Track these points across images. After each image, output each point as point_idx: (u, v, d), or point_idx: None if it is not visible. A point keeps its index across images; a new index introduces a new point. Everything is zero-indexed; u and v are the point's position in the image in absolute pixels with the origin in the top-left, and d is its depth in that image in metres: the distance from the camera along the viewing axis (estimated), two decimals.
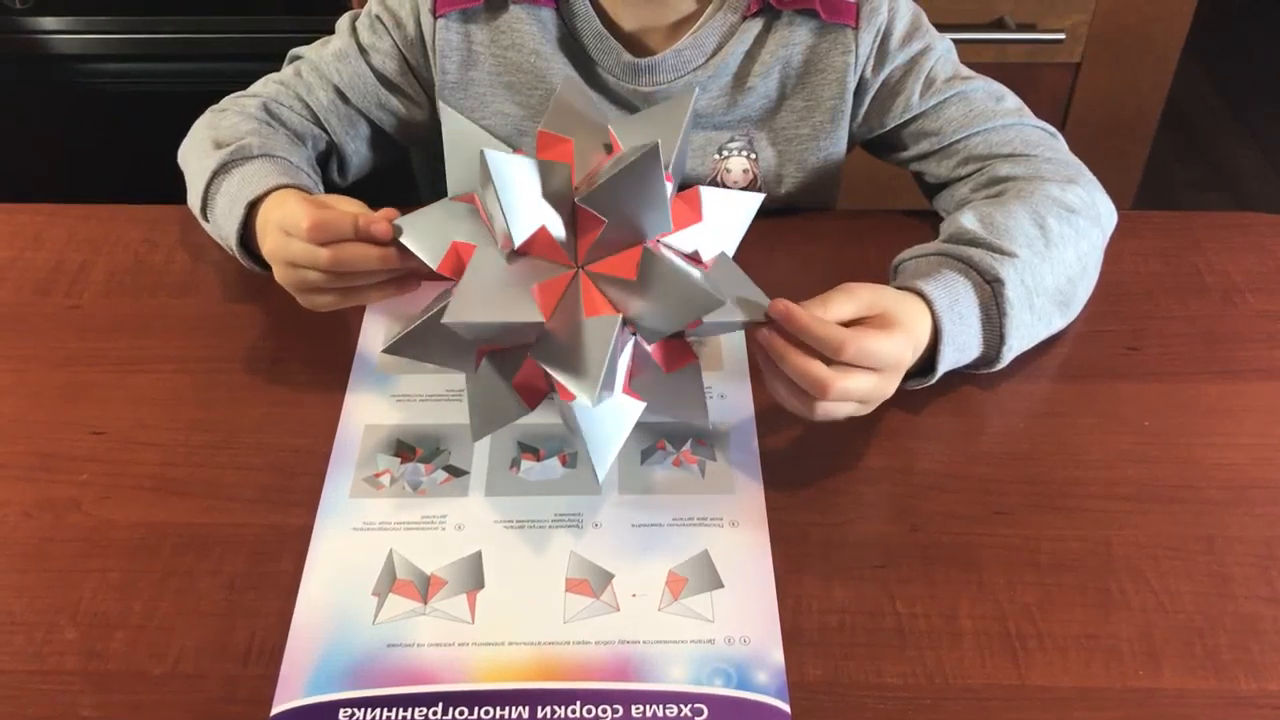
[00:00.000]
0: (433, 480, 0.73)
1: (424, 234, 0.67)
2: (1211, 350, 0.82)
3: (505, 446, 0.75)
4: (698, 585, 0.67)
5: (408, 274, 0.72)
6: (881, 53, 0.87)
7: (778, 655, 0.63)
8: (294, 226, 0.71)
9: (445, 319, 0.60)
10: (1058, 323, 0.81)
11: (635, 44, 0.87)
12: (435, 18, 0.88)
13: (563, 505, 0.71)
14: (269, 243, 0.75)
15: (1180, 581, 0.67)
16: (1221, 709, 0.62)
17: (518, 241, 0.64)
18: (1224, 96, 2.30)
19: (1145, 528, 0.70)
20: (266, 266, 0.80)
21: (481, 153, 0.61)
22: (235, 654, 0.64)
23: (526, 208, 0.63)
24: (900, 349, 0.69)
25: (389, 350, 0.66)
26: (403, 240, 0.68)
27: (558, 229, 0.64)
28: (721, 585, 0.67)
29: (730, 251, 0.70)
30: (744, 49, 0.87)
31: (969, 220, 0.80)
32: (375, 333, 0.83)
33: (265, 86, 0.92)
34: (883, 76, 0.88)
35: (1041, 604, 0.66)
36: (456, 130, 0.69)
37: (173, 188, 0.92)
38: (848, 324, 0.67)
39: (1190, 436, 0.76)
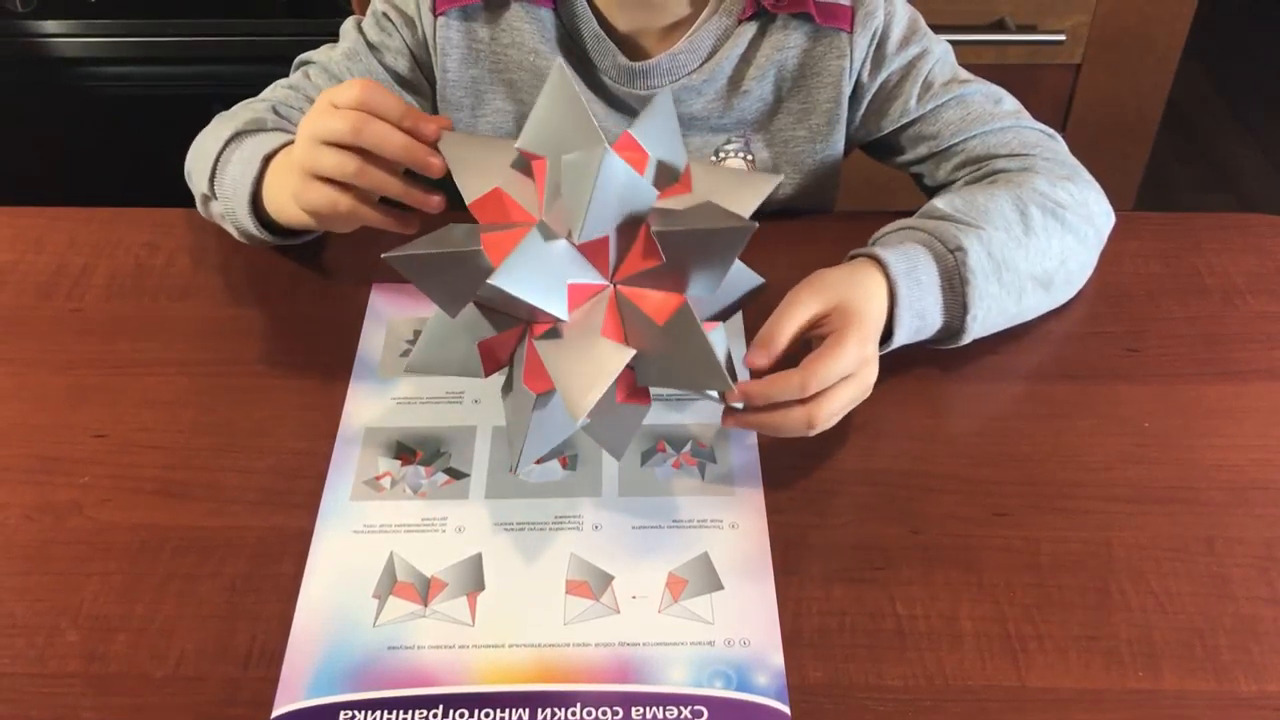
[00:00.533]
0: (433, 483, 0.73)
1: (468, 162, 0.66)
2: (1212, 351, 0.82)
3: (506, 449, 0.75)
4: (698, 587, 0.67)
5: (411, 216, 0.71)
6: (878, 56, 0.88)
7: (778, 657, 0.63)
8: (342, 93, 0.68)
9: (579, 422, 0.61)
10: (1036, 300, 0.80)
11: (631, 46, 0.88)
12: (435, 15, 0.88)
13: (563, 507, 0.71)
14: (305, 118, 0.70)
15: (1180, 583, 0.68)
16: (1221, 710, 0.62)
17: (564, 315, 0.63)
18: (1225, 97, 2.30)
19: (1145, 529, 0.70)
20: (275, 232, 0.81)
21: (602, 154, 0.59)
22: (236, 656, 0.64)
23: (551, 284, 0.62)
24: (857, 352, 0.69)
25: (389, 256, 0.62)
26: (445, 153, 0.66)
27: (578, 274, 0.63)
28: (721, 587, 0.67)
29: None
30: (739, 52, 0.87)
31: (944, 201, 0.80)
32: (375, 336, 0.83)
33: (274, 92, 0.92)
34: (880, 80, 0.88)
35: (1041, 605, 0.66)
36: (564, 101, 0.64)
37: (174, 190, 0.92)
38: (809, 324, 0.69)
39: (1190, 438, 0.76)
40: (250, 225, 0.82)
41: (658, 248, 0.62)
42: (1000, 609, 0.66)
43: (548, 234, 0.62)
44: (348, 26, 0.93)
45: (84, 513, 0.71)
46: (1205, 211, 2.00)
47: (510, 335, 0.66)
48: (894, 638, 0.65)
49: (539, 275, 0.61)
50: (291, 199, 0.73)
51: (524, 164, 0.66)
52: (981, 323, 0.77)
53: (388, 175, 0.69)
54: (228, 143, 0.82)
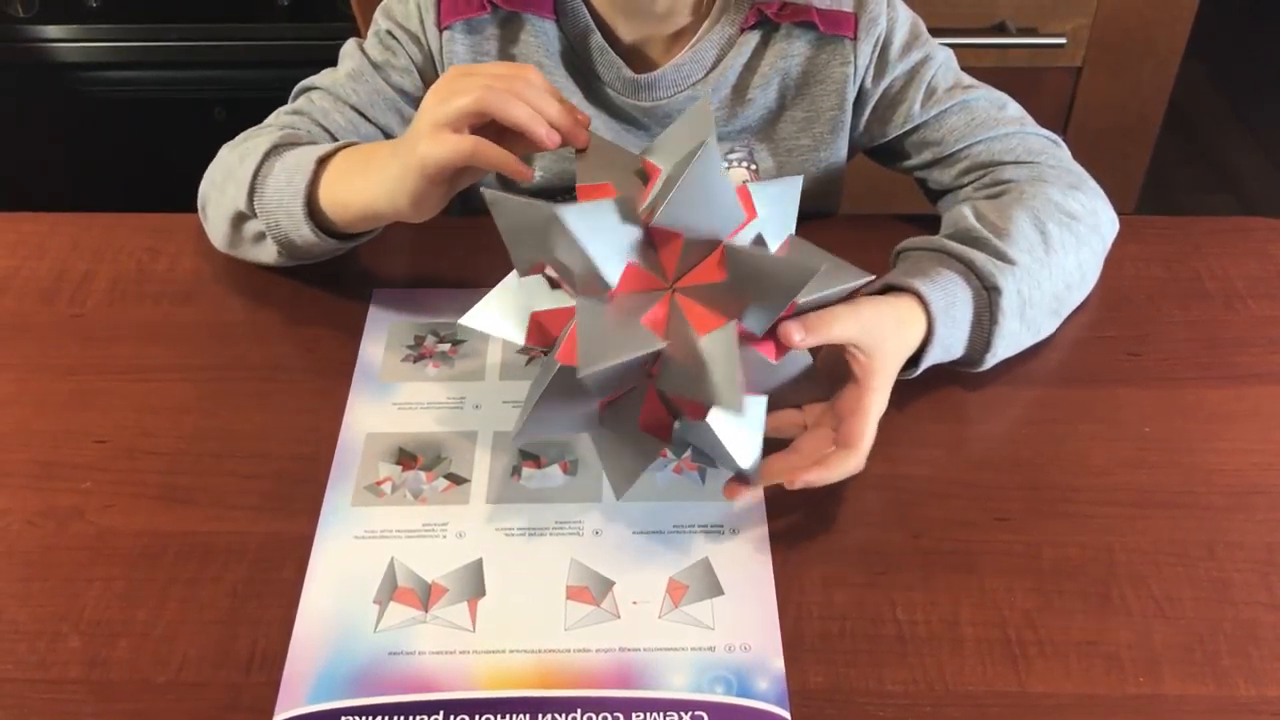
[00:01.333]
0: (434, 488, 0.73)
1: (498, 317, 0.67)
2: (1213, 356, 0.82)
3: (506, 454, 0.75)
4: (698, 592, 0.67)
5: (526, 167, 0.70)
6: (881, 63, 0.88)
7: (778, 662, 0.63)
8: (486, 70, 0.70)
9: (580, 373, 0.60)
10: (1045, 331, 0.81)
11: (635, 56, 0.88)
12: (440, 30, 0.88)
13: (563, 513, 0.71)
14: (436, 84, 0.71)
15: (1181, 587, 0.68)
16: (1221, 715, 0.62)
17: (613, 283, 0.63)
18: (1227, 98, 2.30)
19: (1146, 534, 0.70)
20: (329, 235, 0.79)
21: (554, 212, 0.60)
22: (238, 662, 0.64)
23: (611, 248, 0.63)
24: (880, 406, 0.70)
25: (519, 440, 0.68)
26: (479, 328, 0.67)
27: (640, 256, 0.64)
28: (722, 592, 0.67)
29: (790, 230, 0.70)
30: (743, 61, 0.87)
31: (971, 216, 0.80)
32: (377, 342, 0.83)
33: (278, 118, 0.90)
34: (883, 86, 0.88)
35: (1042, 610, 0.66)
36: (507, 211, 0.66)
37: (177, 195, 0.92)
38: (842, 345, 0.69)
39: (1191, 442, 0.76)
40: (304, 229, 0.78)
41: (669, 231, 0.63)
42: (1001, 614, 0.66)
43: (628, 210, 0.63)
44: (349, 48, 0.92)
45: (86, 518, 0.72)
46: (1207, 212, 2.02)
47: (563, 313, 0.66)
48: (895, 643, 0.65)
49: (611, 334, 0.62)
50: (409, 174, 0.71)
51: (643, 175, 0.67)
52: (996, 359, 0.78)
53: (520, 105, 0.68)
54: (266, 155, 0.80)
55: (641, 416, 0.67)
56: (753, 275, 0.62)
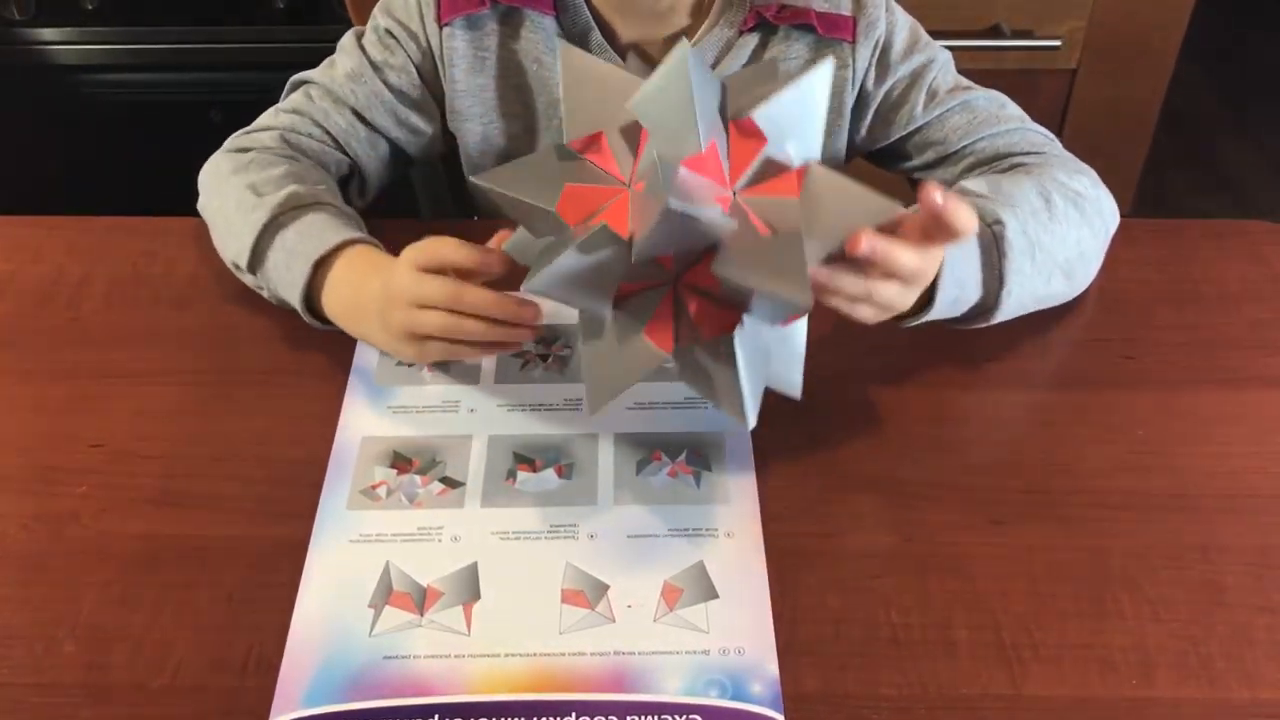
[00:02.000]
0: (429, 492, 0.73)
1: (584, 96, 0.66)
2: (1206, 359, 0.82)
3: (501, 458, 0.75)
4: (693, 596, 0.67)
5: (518, 331, 0.73)
6: (882, 66, 0.88)
7: (772, 666, 0.64)
8: (428, 288, 0.71)
9: (671, 205, 0.57)
10: (1059, 287, 0.81)
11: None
12: (440, 26, 0.88)
13: (558, 516, 0.72)
14: (389, 285, 0.73)
15: (1175, 590, 0.68)
16: (1215, 718, 0.62)
17: (608, 317, 0.63)
18: (1224, 99, 2.30)
19: (1140, 537, 0.71)
20: (326, 323, 0.81)
21: (685, 54, 0.59)
22: (234, 666, 0.64)
23: (592, 288, 0.62)
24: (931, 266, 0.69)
25: (530, 287, 0.63)
26: (511, 194, 0.66)
27: (634, 270, 0.63)
28: (717, 596, 0.67)
29: (816, 143, 0.67)
30: (741, 63, 0.87)
31: (972, 183, 0.81)
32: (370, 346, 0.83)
33: (276, 118, 0.90)
34: (885, 89, 0.89)
35: (1036, 614, 0.67)
36: (579, 67, 0.66)
37: (173, 197, 0.92)
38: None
39: (1185, 445, 0.76)
40: (306, 318, 0.81)
41: (756, 132, 0.62)
42: (995, 618, 0.66)
43: (604, 239, 0.62)
44: (348, 43, 0.92)
45: (82, 522, 0.72)
46: (1203, 214, 2.02)
47: (603, 192, 0.64)
48: (889, 646, 0.65)
49: (580, 279, 0.62)
50: (393, 350, 0.78)
51: (635, 127, 0.65)
52: (1015, 299, 0.77)
53: (485, 325, 0.72)
54: (265, 228, 0.80)
55: (651, 321, 0.65)
56: (742, 297, 0.62)
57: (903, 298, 0.69)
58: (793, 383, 0.70)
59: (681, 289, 0.65)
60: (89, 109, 1.56)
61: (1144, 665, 0.64)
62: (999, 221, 0.76)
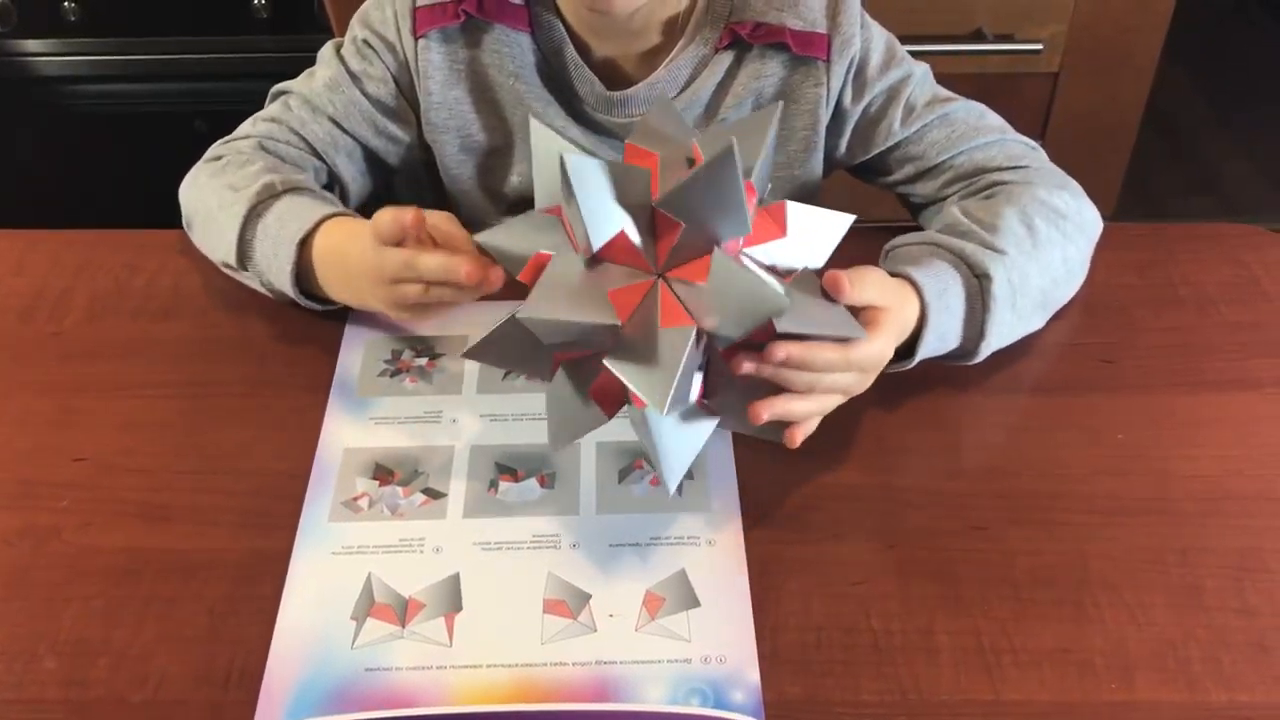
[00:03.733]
0: (411, 503, 0.73)
1: (506, 243, 0.68)
2: (1185, 362, 0.83)
3: (483, 468, 0.75)
4: (675, 604, 0.67)
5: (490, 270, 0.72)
6: (859, 83, 0.88)
7: (754, 674, 0.64)
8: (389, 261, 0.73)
9: (520, 314, 0.61)
10: (1035, 324, 0.83)
11: (609, 70, 0.88)
12: (416, 38, 0.88)
13: (541, 526, 0.72)
14: (364, 260, 0.75)
15: (1154, 594, 0.68)
16: None
17: (596, 245, 0.64)
18: (1209, 100, 2.31)
19: (1120, 541, 0.71)
20: (323, 303, 0.82)
21: (560, 158, 0.61)
22: (216, 679, 0.64)
23: (605, 211, 0.63)
24: (885, 352, 0.71)
25: (469, 355, 0.67)
26: (485, 246, 0.69)
27: (636, 235, 0.64)
28: (698, 604, 0.67)
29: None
30: (716, 81, 0.87)
31: (959, 214, 0.82)
32: (354, 357, 0.83)
33: (254, 126, 0.91)
34: (862, 106, 0.89)
35: (1017, 619, 0.67)
36: (543, 144, 0.68)
37: (157, 209, 0.92)
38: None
39: (1165, 449, 0.77)
40: (298, 301, 0.83)
41: (672, 218, 0.63)
42: (976, 623, 0.67)
43: (567, 258, 0.63)
44: (327, 53, 0.92)
45: (63, 537, 0.72)
46: (1190, 215, 2.03)
47: (609, 370, 0.65)
48: (870, 652, 0.65)
49: (571, 294, 0.63)
50: (396, 319, 0.82)
51: (690, 161, 0.67)
52: (990, 348, 0.79)
53: (454, 290, 0.73)
54: (246, 220, 0.82)
55: (594, 385, 0.67)
56: (728, 288, 0.62)
57: (861, 383, 0.71)
58: (672, 474, 0.69)
59: (661, 283, 0.65)
60: (72, 120, 1.56)
61: (1123, 669, 0.64)
62: (987, 276, 0.77)
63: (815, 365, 0.66)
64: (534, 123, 0.68)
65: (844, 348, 0.67)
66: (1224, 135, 2.25)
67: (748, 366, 0.65)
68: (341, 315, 0.86)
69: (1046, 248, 0.80)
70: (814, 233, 0.68)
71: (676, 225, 0.63)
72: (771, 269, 0.67)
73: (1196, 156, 2.20)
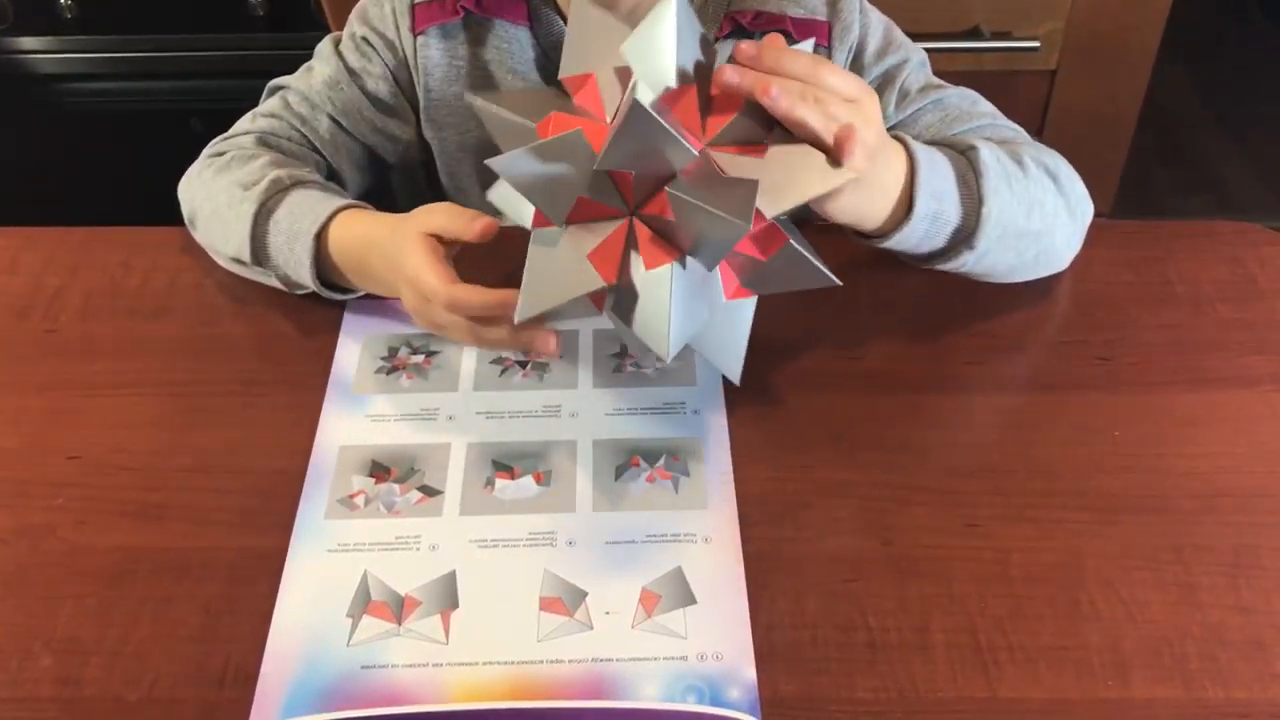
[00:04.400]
0: (407, 500, 0.73)
1: (581, 34, 0.68)
2: (1181, 360, 0.83)
3: (480, 465, 0.75)
4: (671, 602, 0.67)
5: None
6: (856, 68, 0.88)
7: (750, 671, 0.64)
8: (432, 295, 0.73)
9: (518, 318, 0.65)
10: (1038, 226, 0.80)
11: None
12: (415, 35, 0.88)
13: (537, 523, 0.72)
14: (407, 298, 0.76)
15: (1149, 591, 0.68)
16: (1190, 718, 0.62)
17: (561, 221, 0.65)
18: (1207, 98, 2.31)
19: (1115, 538, 0.71)
20: (345, 290, 0.83)
21: (670, 4, 0.61)
22: (211, 678, 0.64)
23: (552, 189, 0.63)
24: (859, 81, 0.68)
25: (496, 163, 0.63)
26: (502, 208, 0.69)
27: (595, 189, 0.64)
28: (695, 601, 0.67)
29: None
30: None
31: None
32: (350, 354, 0.83)
33: (254, 122, 0.91)
34: None
35: (1012, 616, 0.67)
36: (584, 13, 0.67)
37: (153, 207, 0.92)
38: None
39: (1160, 446, 0.77)
40: (320, 293, 0.83)
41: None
42: (971, 620, 0.67)
43: (576, 146, 0.62)
44: (325, 49, 0.92)
45: (58, 535, 0.71)
46: (1188, 212, 2.03)
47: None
48: (865, 650, 0.65)
49: (556, 275, 0.64)
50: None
51: (623, 68, 0.66)
52: (995, 221, 0.76)
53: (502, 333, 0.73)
54: (257, 216, 0.82)
55: (599, 246, 0.66)
56: (692, 220, 0.62)
57: (857, 114, 0.65)
58: (732, 365, 0.71)
59: (636, 223, 0.65)
60: (68, 118, 1.56)
61: (1119, 666, 0.64)
62: (971, 148, 0.77)
63: (785, 64, 0.64)
64: (477, 104, 0.67)
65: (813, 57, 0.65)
66: (1222, 133, 2.25)
67: (730, 75, 0.63)
68: (337, 313, 0.86)
69: (1035, 182, 0.80)
70: (797, 173, 0.66)
71: (627, 174, 0.63)
72: (743, 147, 0.65)
73: (1194, 154, 2.20)
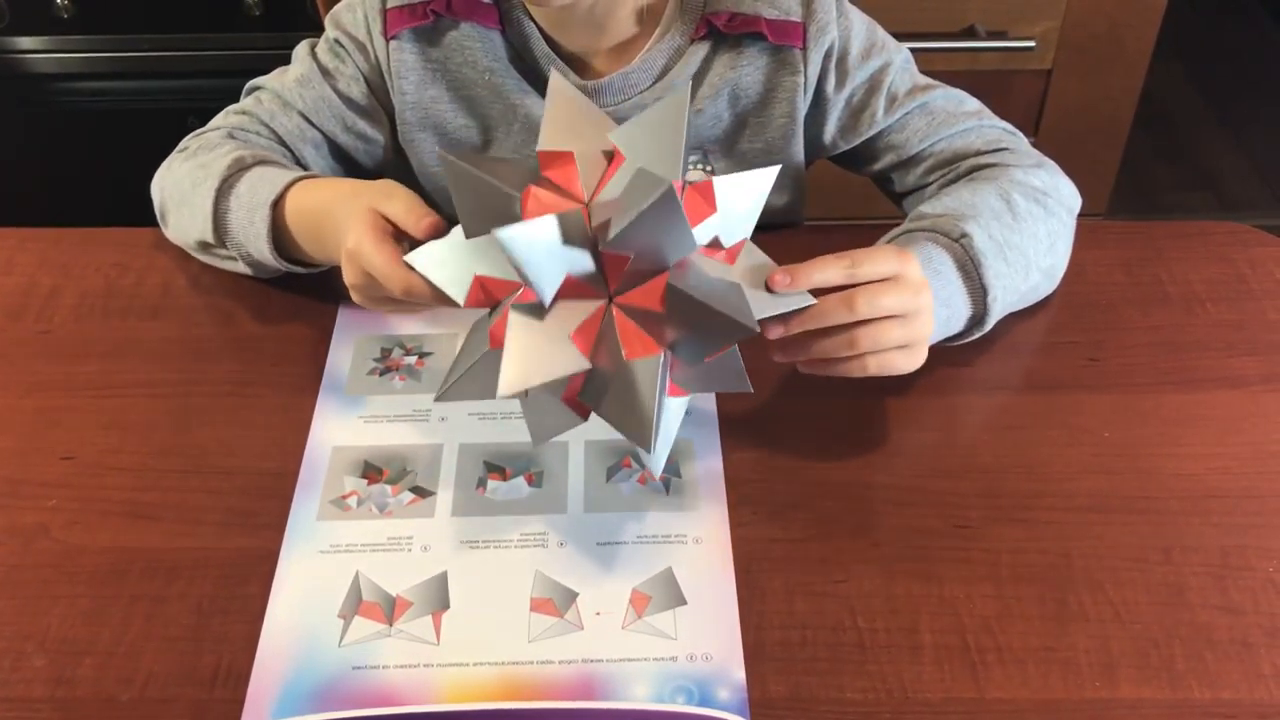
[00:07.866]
0: (399, 501, 0.73)
1: (441, 266, 0.67)
2: (1172, 360, 0.83)
3: (472, 466, 0.75)
4: (661, 603, 0.68)
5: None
6: (841, 71, 0.88)
7: (739, 672, 0.64)
8: (372, 269, 0.70)
9: (501, 392, 0.62)
10: (1038, 280, 0.82)
11: (580, 66, 0.88)
12: (387, 40, 0.88)
13: (528, 525, 0.72)
14: (346, 272, 0.73)
15: (1137, 592, 0.68)
16: (1177, 719, 0.63)
17: (548, 300, 0.63)
18: (1205, 96, 2.32)
19: (1104, 539, 0.71)
20: (306, 265, 0.83)
21: (497, 236, 0.60)
22: (203, 678, 0.64)
23: (550, 267, 0.63)
24: (911, 290, 0.71)
25: (441, 398, 0.67)
26: (421, 270, 0.67)
27: (582, 269, 0.64)
28: (685, 602, 0.68)
29: (749, 231, 0.69)
30: (691, 71, 0.88)
31: (930, 205, 0.82)
32: (343, 355, 0.83)
33: (225, 119, 0.92)
34: (846, 94, 0.89)
35: (1001, 617, 0.67)
36: (463, 185, 0.66)
37: (149, 206, 0.92)
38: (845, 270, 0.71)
39: (1150, 447, 0.77)
40: (280, 267, 0.83)
41: (664, 297, 0.63)
42: (960, 621, 0.67)
43: (574, 226, 0.62)
44: (301, 51, 0.93)
45: (51, 535, 0.72)
46: (1185, 210, 2.03)
47: (509, 284, 0.66)
48: (854, 651, 0.66)
49: (539, 352, 0.63)
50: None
51: (608, 154, 0.67)
52: (1001, 303, 0.78)
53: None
54: (219, 193, 0.82)
55: (566, 391, 0.66)
56: (689, 318, 0.62)
57: (905, 330, 0.71)
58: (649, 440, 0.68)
59: (615, 308, 0.65)
60: (65, 117, 1.56)
61: (1106, 667, 0.65)
62: (965, 235, 0.77)
63: (826, 318, 0.69)
64: (450, 162, 0.65)
65: (840, 257, 0.69)
66: (1218, 131, 2.25)
67: (777, 331, 0.69)
68: (330, 314, 0.86)
69: (1028, 220, 0.81)
70: (742, 196, 0.67)
71: (625, 258, 0.63)
72: (711, 248, 0.67)
73: (1190, 152, 2.21)
